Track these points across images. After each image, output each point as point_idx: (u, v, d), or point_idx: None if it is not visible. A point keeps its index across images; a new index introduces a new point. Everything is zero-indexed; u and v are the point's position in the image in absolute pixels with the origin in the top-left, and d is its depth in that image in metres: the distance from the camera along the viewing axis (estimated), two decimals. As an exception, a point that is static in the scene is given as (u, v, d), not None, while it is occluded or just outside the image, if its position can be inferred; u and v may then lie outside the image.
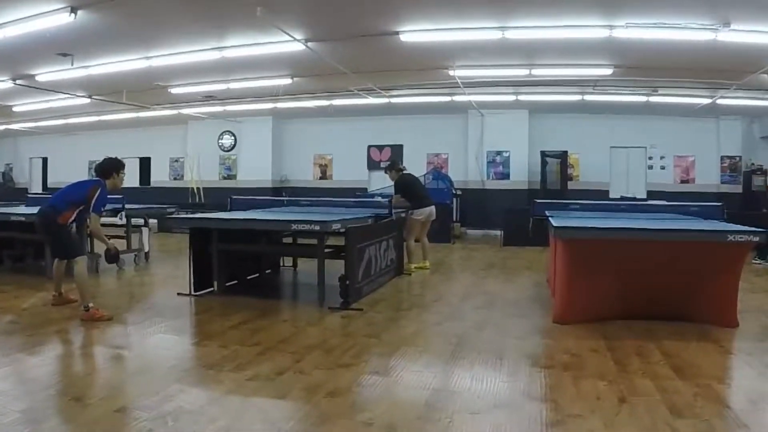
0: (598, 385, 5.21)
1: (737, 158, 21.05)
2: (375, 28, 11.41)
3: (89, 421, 4.54)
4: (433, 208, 12.42)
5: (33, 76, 15.37)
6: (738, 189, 20.66)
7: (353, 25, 11.34)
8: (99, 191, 8.05)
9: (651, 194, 20.41)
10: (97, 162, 8.58)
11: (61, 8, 10.18)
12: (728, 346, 6.71)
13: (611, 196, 20.55)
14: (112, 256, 8.54)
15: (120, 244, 10.32)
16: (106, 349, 6.81)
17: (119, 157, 8.64)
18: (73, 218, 8.08)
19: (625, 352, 6.24)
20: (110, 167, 8.38)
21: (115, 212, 11.80)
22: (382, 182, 15.83)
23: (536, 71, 14.57)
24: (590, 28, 10.83)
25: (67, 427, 4.38)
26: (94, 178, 8.39)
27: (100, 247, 9.01)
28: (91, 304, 7.83)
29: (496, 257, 15.07)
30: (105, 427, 4.43)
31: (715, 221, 9.20)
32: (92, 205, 7.99)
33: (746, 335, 7.15)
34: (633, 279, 7.45)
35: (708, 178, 21.07)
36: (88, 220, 8.17)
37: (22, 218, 11.10)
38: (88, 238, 10.84)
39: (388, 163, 13.05)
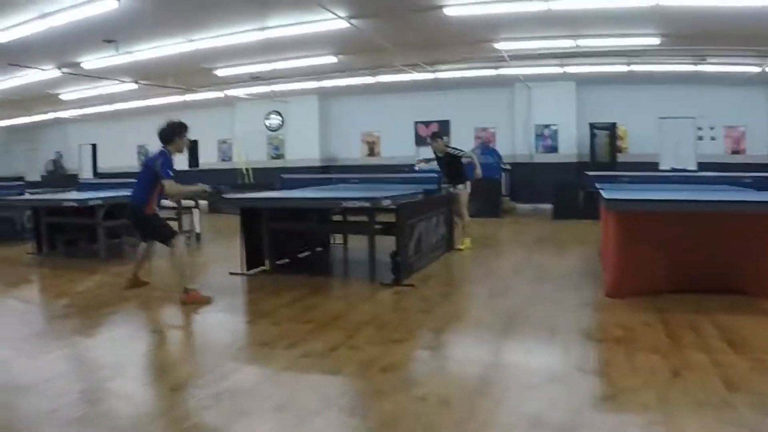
0: (651, 358, 5.17)
1: (788, 127, 20.59)
2: (419, 2, 11.35)
3: (146, 400, 4.64)
4: None
5: (78, 63, 15.54)
6: (790, 158, 20.21)
7: (397, 0, 11.30)
8: (162, 159, 7.88)
9: (701, 166, 19.99)
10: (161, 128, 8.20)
11: (105, -6, 10.29)
12: (783, 319, 6.61)
13: (661, 168, 20.22)
14: (212, 195, 8.45)
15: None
16: (160, 329, 6.94)
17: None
18: (157, 202, 8.05)
19: (678, 326, 6.17)
20: (171, 131, 8.11)
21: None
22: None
23: (582, 42, 14.38)
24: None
25: (124, 406, 4.47)
26: (158, 150, 8.06)
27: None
28: (191, 286, 7.83)
29: (547, 231, 14.99)
30: (162, 406, 4.52)
31: (768, 192, 9.08)
32: (159, 173, 7.80)
33: (801, 307, 7.03)
34: (685, 251, 7.38)
35: (759, 148, 20.46)
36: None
37: (74, 203, 11.24)
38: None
39: (435, 133, 12.86)
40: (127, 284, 8.64)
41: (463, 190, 11.99)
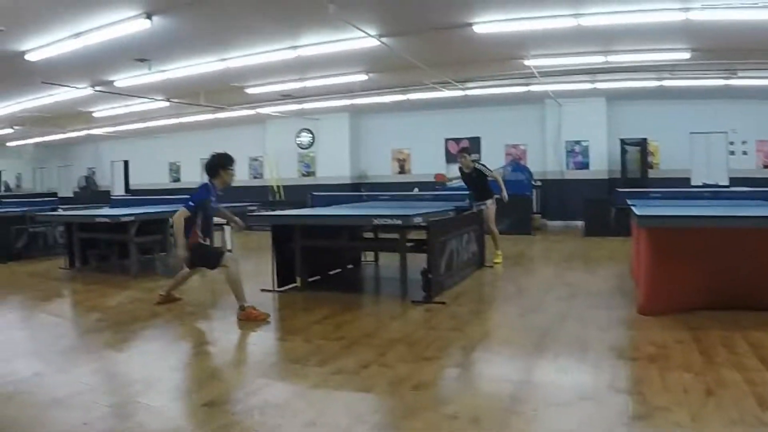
0: (684, 377, 5.13)
1: (822, 140, 20.33)
2: (448, 20, 11.40)
3: (177, 415, 4.68)
4: None
5: (111, 82, 15.74)
6: (824, 172, 19.96)
7: (426, 18, 11.35)
8: (198, 190, 7.98)
9: (733, 181, 19.83)
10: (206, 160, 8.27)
11: (137, 15, 10.42)
12: (817, 335, 6.52)
13: (693, 183, 20.06)
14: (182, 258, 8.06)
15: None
16: (192, 344, 6.99)
17: (225, 152, 8.28)
18: (200, 232, 7.95)
19: (712, 343, 6.11)
20: (215, 164, 8.11)
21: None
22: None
23: (612, 58, 14.38)
24: (665, 12, 10.63)
25: (155, 421, 4.50)
26: (202, 183, 8.12)
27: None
28: (246, 304, 7.76)
29: (578, 248, 14.92)
30: (193, 421, 4.54)
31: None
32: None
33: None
34: (718, 268, 7.31)
35: (791, 162, 20.39)
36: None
37: (107, 219, 11.37)
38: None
39: (464, 148, 12.96)
40: (160, 299, 8.68)
41: (491, 206, 12.04)
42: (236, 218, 8.85)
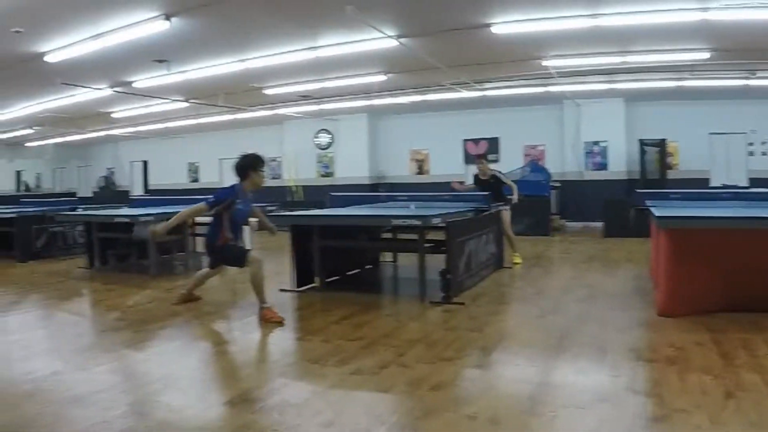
0: (703, 379, 5.10)
1: (844, 140, 20.13)
2: (466, 21, 11.39)
3: (196, 414, 4.69)
4: None
5: (130, 83, 15.82)
6: None
7: (445, 19, 11.33)
8: (223, 189, 8.03)
9: (753, 182, 19.66)
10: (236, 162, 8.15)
11: (156, 16, 10.47)
12: (840, 338, 6.48)
13: (712, 184, 19.93)
14: (148, 237, 7.99)
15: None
16: (210, 344, 7.03)
17: (255, 153, 8.17)
18: (229, 232, 7.96)
19: (731, 346, 6.07)
20: (244, 166, 7.97)
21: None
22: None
23: (631, 58, 14.33)
24: (684, 12, 10.57)
25: (174, 420, 4.55)
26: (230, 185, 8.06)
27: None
28: (266, 305, 7.76)
29: (597, 249, 14.87)
30: (212, 420, 4.57)
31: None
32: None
33: None
34: (738, 269, 7.28)
35: (812, 163, 20.21)
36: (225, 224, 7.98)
37: (126, 219, 11.45)
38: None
39: (483, 155, 13.09)
40: (180, 299, 8.73)
41: (507, 210, 12.14)
42: (270, 224, 8.85)
